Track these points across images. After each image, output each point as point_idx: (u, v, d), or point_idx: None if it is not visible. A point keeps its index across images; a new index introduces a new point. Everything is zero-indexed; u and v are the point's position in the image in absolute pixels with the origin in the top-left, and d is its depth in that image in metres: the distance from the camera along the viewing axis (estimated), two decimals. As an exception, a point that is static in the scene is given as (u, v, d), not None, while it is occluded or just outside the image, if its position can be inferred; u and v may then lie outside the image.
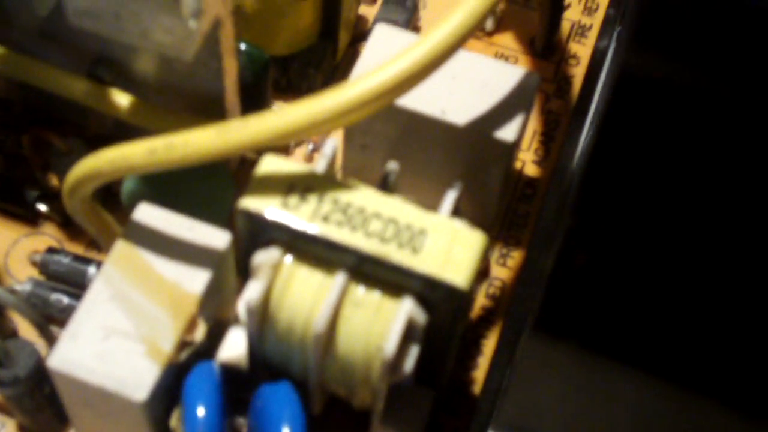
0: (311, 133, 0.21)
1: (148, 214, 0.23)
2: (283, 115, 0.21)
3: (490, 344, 0.26)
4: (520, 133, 0.25)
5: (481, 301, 0.27)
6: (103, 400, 0.22)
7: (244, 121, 0.21)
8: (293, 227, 0.21)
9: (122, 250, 0.23)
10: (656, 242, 0.21)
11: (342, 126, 0.21)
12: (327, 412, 0.24)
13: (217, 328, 0.24)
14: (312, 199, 0.21)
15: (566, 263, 0.19)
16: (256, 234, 0.22)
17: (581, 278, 0.20)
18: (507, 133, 0.25)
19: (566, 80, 0.30)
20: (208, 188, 0.25)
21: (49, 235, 0.27)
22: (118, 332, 0.22)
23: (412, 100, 0.25)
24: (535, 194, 0.28)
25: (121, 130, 0.26)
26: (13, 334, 0.25)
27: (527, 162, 0.29)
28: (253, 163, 0.25)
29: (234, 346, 0.24)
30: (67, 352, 0.22)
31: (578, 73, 0.30)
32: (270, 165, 0.22)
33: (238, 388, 0.23)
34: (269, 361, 0.23)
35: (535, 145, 0.29)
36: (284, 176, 0.22)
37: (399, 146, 0.26)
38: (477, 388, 0.25)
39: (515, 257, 0.27)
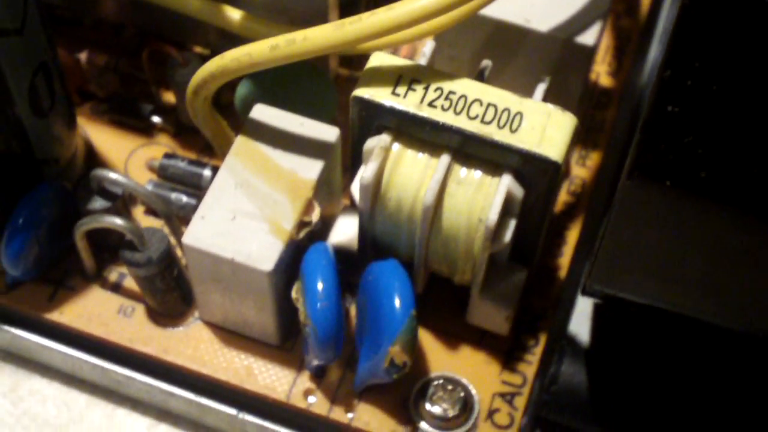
0: (413, 29, 0.23)
1: (263, 112, 0.26)
2: (392, 10, 0.23)
3: (573, 235, 0.28)
4: (597, 39, 0.28)
5: (563, 197, 0.29)
6: (232, 273, 0.24)
7: (357, 17, 0.23)
8: (403, 111, 0.23)
9: (242, 144, 0.25)
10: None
11: (442, 22, 0.24)
12: (428, 291, 0.27)
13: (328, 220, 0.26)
14: (419, 88, 0.24)
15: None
16: (367, 122, 0.24)
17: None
18: (587, 38, 0.27)
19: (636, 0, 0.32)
20: (312, 93, 0.27)
21: (163, 145, 0.30)
22: (244, 213, 0.24)
23: (497, 10, 0.27)
24: (610, 103, 0.31)
25: (225, 48, 0.28)
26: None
27: (601, 73, 0.31)
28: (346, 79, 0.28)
29: (344, 231, 0.26)
30: (199, 230, 0.24)
31: (646, -8, 0.33)
32: (379, 59, 0.24)
33: (346, 272, 0.25)
34: (378, 242, 0.25)
35: (608, 58, 0.31)
36: (393, 69, 0.24)
37: (484, 56, 0.28)
38: (562, 273, 0.28)
39: (593, 158, 0.29)
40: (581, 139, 0.30)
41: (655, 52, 0.32)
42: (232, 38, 0.28)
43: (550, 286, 0.27)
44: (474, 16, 0.25)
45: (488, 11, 0.27)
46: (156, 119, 0.30)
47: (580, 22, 0.27)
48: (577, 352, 0.27)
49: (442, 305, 0.27)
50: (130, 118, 0.30)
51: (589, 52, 0.27)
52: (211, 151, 0.29)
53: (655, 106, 0.19)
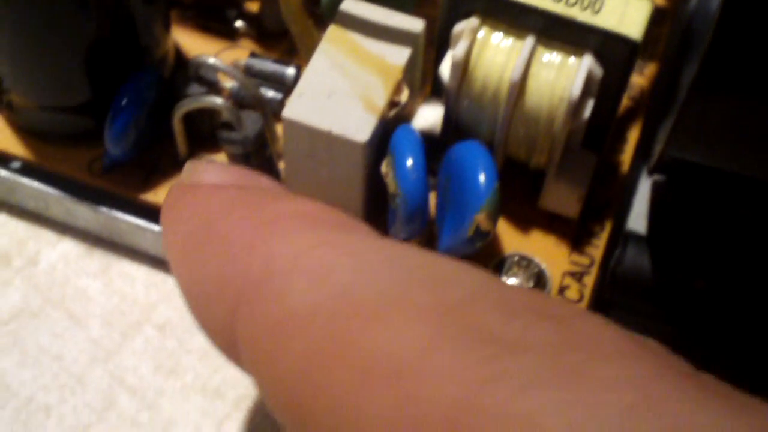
0: None
1: (353, 5, 0.28)
2: None
3: (633, 135, 0.30)
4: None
5: (625, 102, 0.31)
6: (328, 145, 0.26)
7: None
8: (493, -6, 0.25)
9: (335, 32, 0.27)
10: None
11: None
12: (502, 178, 0.29)
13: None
14: (506, -27, 0.25)
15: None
16: (456, 6, 0.26)
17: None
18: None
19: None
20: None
21: (245, 48, 0.31)
22: (338, 92, 0.26)
23: None
24: (664, 20, 0.32)
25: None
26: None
27: (657, -7, 0.33)
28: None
29: (426, 117, 0.28)
30: (297, 105, 0.26)
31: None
32: (469, -52, 0.26)
33: (428, 157, 0.27)
34: (460, 125, 0.27)
35: (662, -21, 0.33)
36: (481, -43, 0.26)
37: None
38: (624, 168, 0.30)
39: (650, 68, 0.31)
40: (639, 50, 0.32)
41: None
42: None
43: (614, 179, 0.29)
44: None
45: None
46: (239, 24, 0.31)
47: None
48: (638, 238, 0.28)
49: (513, 193, 0.29)
50: (215, 23, 0.32)
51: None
52: (292, 55, 0.31)
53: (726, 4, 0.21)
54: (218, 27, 0.32)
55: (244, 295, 0.19)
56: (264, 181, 0.23)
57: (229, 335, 0.19)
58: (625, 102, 0.31)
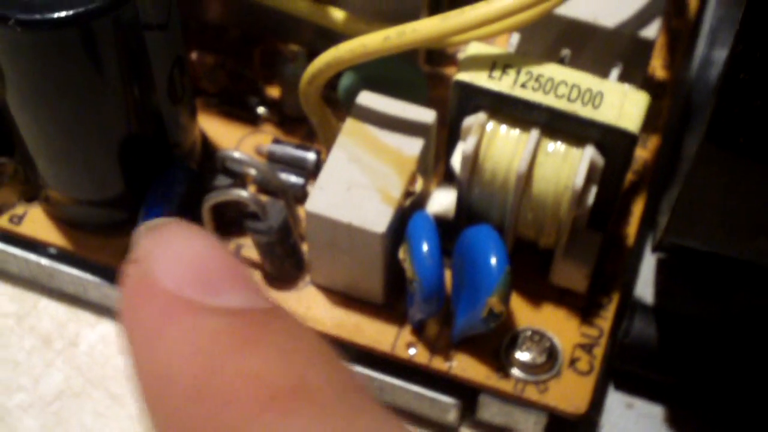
0: (501, 23, 0.27)
1: (368, 98, 0.29)
2: (490, 4, 0.26)
3: (638, 208, 0.32)
4: (657, 33, 0.31)
5: (629, 176, 0.32)
6: (348, 235, 0.28)
7: (459, 10, 0.27)
8: (498, 92, 0.27)
9: (352, 125, 0.29)
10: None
11: (531, 14, 0.27)
12: (513, 257, 0.30)
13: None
14: (511, 72, 0.27)
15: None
16: (465, 102, 0.28)
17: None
18: (649, 32, 0.31)
19: (683, 2, 0.36)
20: (406, 83, 0.31)
21: (267, 133, 0.33)
22: (357, 184, 0.28)
23: (568, 9, 0.31)
24: (665, 93, 0.34)
25: (318, 45, 0.32)
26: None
27: (657, 67, 0.35)
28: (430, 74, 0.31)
29: (440, 202, 0.30)
30: (319, 199, 0.28)
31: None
32: (475, 48, 0.28)
33: (441, 239, 0.29)
34: (472, 210, 0.29)
35: (662, 54, 0.35)
36: (487, 56, 0.27)
37: (557, 50, 0.32)
38: (630, 241, 0.31)
39: (653, 141, 0.33)
40: (637, 141, 0.33)
41: (702, 49, 0.36)
42: (327, 36, 0.32)
43: (620, 252, 0.31)
44: (548, 15, 0.29)
45: (560, 10, 0.31)
46: (261, 110, 0.33)
47: (641, 18, 0.31)
48: (645, 309, 0.30)
49: (525, 269, 0.30)
50: (238, 110, 0.33)
51: (650, 46, 0.31)
52: (311, 139, 0.33)
53: (728, 75, 0.22)
54: (241, 113, 0.33)
55: None
56: (239, 278, 0.18)
57: None
58: (629, 176, 0.32)
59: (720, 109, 0.22)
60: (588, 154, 0.27)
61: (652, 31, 0.31)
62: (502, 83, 0.27)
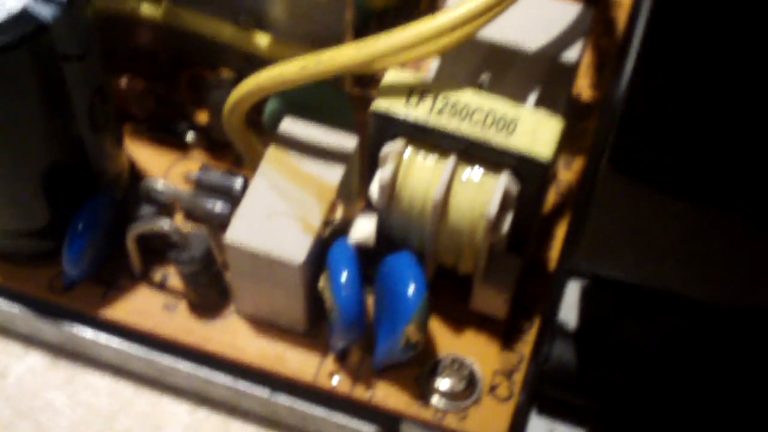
0: (421, 48, 0.27)
1: (291, 125, 0.30)
2: (405, 31, 0.27)
3: (561, 231, 0.32)
4: (579, 56, 0.31)
5: (552, 197, 0.32)
6: (268, 266, 0.28)
7: (374, 37, 0.27)
8: (415, 120, 0.27)
9: (274, 152, 0.29)
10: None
11: (448, 41, 0.27)
12: (434, 284, 0.30)
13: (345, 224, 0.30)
14: (428, 99, 0.27)
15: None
16: (383, 130, 0.28)
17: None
18: (570, 55, 0.31)
19: (612, 22, 0.36)
20: (332, 108, 0.31)
21: (196, 159, 0.33)
22: (277, 213, 0.28)
23: (492, 34, 0.31)
24: (591, 114, 0.34)
25: (247, 70, 0.32)
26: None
27: (584, 87, 0.35)
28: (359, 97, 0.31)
29: (362, 229, 0.30)
30: (239, 228, 0.28)
31: (622, 16, 0.36)
32: (392, 76, 0.28)
33: (363, 266, 0.29)
34: (392, 237, 0.29)
35: (589, 74, 0.35)
36: (404, 84, 0.28)
37: (480, 73, 0.32)
38: (552, 264, 0.31)
39: (577, 163, 0.33)
40: (566, 146, 0.34)
41: (630, 68, 0.36)
42: (255, 62, 0.32)
43: (542, 276, 0.31)
44: (471, 39, 0.29)
45: (484, 34, 0.31)
46: (190, 136, 0.33)
47: (563, 42, 0.31)
48: (566, 333, 0.30)
49: (447, 295, 0.30)
50: (167, 136, 0.33)
51: (572, 68, 0.31)
52: (239, 164, 0.33)
53: (629, 100, 0.22)
54: (170, 139, 0.33)
55: None
56: None
57: None
58: (552, 198, 0.33)
59: (621, 134, 0.23)
60: (502, 183, 0.27)
61: (573, 53, 0.31)
62: (419, 110, 0.27)
